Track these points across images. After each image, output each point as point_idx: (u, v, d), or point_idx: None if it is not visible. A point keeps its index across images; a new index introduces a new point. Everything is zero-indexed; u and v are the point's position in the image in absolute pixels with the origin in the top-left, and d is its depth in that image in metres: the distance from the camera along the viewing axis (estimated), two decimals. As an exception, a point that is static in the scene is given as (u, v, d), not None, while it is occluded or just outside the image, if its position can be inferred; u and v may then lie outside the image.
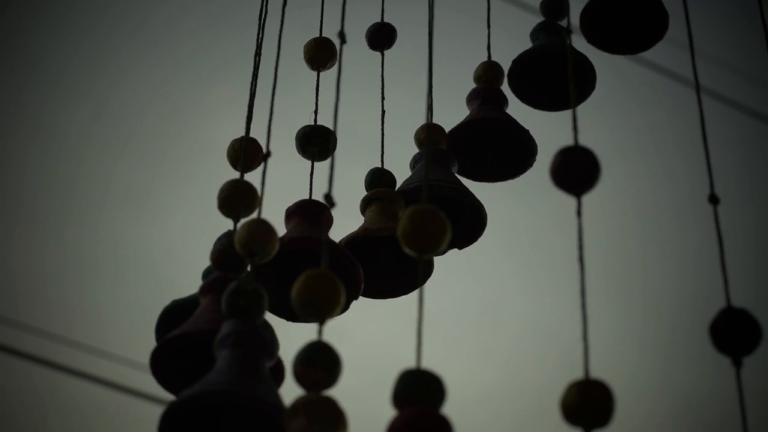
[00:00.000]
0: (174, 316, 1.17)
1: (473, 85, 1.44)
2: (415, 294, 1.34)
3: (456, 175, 1.38)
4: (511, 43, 1.46)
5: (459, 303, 3.97)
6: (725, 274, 0.94)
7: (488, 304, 4.10)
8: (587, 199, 0.89)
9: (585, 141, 1.34)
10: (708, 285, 4.06)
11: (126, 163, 3.96)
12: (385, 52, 1.48)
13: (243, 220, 1.02)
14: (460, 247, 1.37)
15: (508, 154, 1.40)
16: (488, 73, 1.43)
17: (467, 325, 3.94)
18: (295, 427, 0.78)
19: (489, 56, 1.45)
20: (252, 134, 1.24)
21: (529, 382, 3.78)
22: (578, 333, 0.82)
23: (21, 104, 3.92)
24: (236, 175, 1.15)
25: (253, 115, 1.23)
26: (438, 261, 1.33)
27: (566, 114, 1.41)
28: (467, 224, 1.35)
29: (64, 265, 3.90)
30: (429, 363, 0.79)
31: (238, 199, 1.09)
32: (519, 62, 1.38)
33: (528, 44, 1.43)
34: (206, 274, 1.19)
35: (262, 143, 1.14)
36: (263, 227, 0.99)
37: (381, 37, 1.48)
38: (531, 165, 1.39)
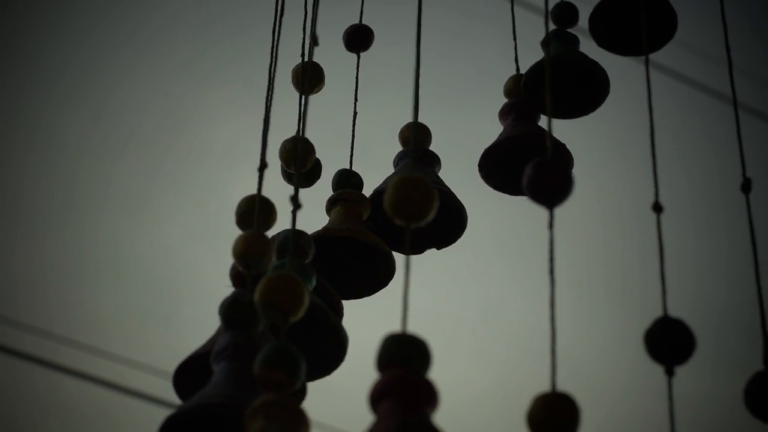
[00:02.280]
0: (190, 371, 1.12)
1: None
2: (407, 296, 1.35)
3: (438, 174, 1.38)
4: (505, 41, 1.45)
5: (455, 306, 3.98)
6: (663, 283, 0.94)
7: (484, 308, 4.11)
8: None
9: (583, 141, 1.36)
10: (708, 286, 4.07)
11: (125, 165, 3.96)
12: (371, 53, 1.48)
13: (239, 233, 1.01)
14: (439, 247, 1.37)
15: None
16: (519, 87, 1.41)
17: (463, 328, 3.95)
18: (254, 430, 0.78)
19: (517, 69, 1.44)
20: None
21: (525, 386, 3.78)
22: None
23: (20, 106, 3.92)
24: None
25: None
26: (435, 263, 1.34)
27: (576, 122, 1.42)
28: (448, 224, 1.35)
29: (64, 267, 3.91)
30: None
31: (255, 215, 1.08)
32: (534, 72, 1.36)
33: (530, 46, 1.42)
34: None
35: (256, 154, 1.13)
36: (259, 240, 0.99)
37: (358, 38, 1.48)
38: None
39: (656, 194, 0.98)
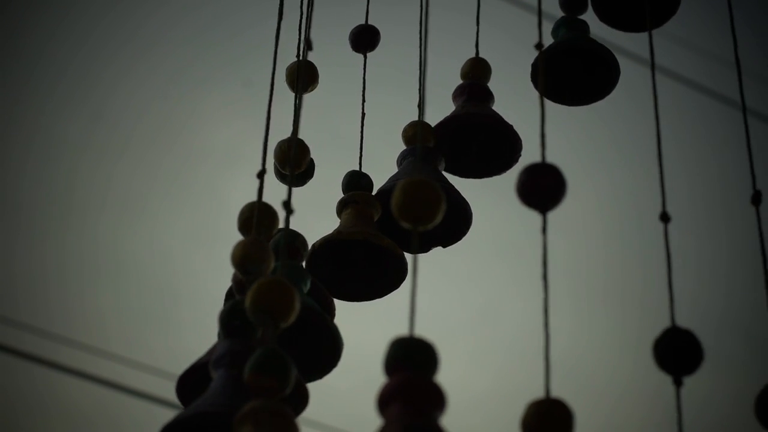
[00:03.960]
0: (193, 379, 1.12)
1: (457, 82, 1.44)
2: (404, 296, 1.35)
3: (443, 173, 1.38)
4: (502, 40, 1.46)
5: (454, 307, 3.98)
6: (671, 292, 0.95)
7: (483, 309, 4.11)
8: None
9: (584, 145, 1.36)
10: (707, 291, 4.07)
11: (124, 167, 3.96)
12: (370, 54, 1.48)
13: (237, 240, 1.01)
14: (445, 245, 1.37)
15: (493, 150, 1.40)
16: (475, 70, 1.43)
17: (461, 329, 3.95)
18: None
19: (477, 52, 1.45)
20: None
21: (522, 388, 3.78)
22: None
23: (20, 109, 3.92)
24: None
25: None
26: (434, 264, 1.34)
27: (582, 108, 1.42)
28: (452, 222, 1.34)
29: (64, 268, 3.91)
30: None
31: (259, 221, 1.08)
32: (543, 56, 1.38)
33: (516, 41, 1.43)
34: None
35: (254, 156, 1.13)
36: (258, 246, 0.99)
37: (364, 39, 1.49)
38: (516, 161, 1.39)
39: (663, 204, 0.98)
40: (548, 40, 1.42)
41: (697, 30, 3.97)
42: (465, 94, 1.41)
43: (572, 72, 1.40)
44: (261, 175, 1.07)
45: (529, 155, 1.38)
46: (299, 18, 1.33)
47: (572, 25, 1.40)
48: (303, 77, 1.30)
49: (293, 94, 1.28)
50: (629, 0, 1.33)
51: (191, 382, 1.09)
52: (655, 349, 0.92)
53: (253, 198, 1.09)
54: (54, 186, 3.93)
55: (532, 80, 1.37)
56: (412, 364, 0.79)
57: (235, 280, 1.12)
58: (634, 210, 4.03)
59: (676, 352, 0.91)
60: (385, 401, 0.78)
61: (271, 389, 0.81)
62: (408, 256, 1.30)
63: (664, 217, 0.98)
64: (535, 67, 1.36)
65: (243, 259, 0.98)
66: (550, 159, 0.90)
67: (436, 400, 0.78)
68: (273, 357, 0.82)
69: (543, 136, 0.92)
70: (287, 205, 0.96)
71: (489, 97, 1.42)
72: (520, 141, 1.38)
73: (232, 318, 0.99)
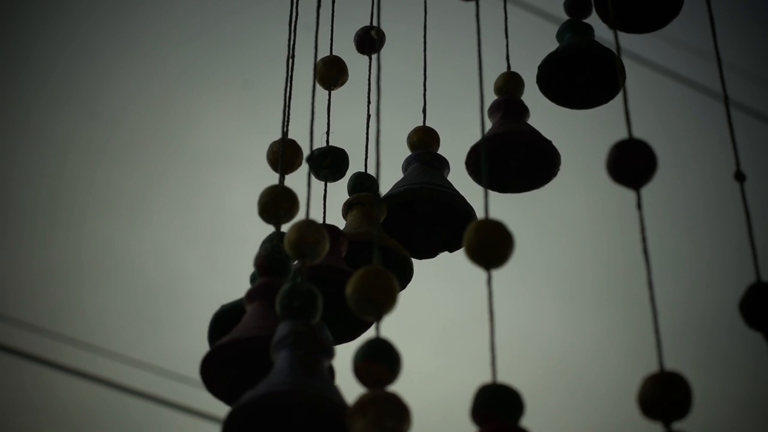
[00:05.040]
0: (224, 321, 1.15)
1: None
2: (403, 298, 1.34)
3: (447, 178, 1.38)
4: (510, 47, 1.45)
5: (447, 310, 3.98)
6: (754, 247, 0.93)
7: (476, 312, 4.10)
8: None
9: (574, 142, 1.36)
10: (701, 290, 4.07)
11: (122, 169, 3.96)
12: (375, 56, 1.47)
13: (292, 222, 1.01)
14: (451, 251, 1.37)
15: (532, 165, 1.39)
16: (509, 84, 1.42)
17: (455, 332, 3.95)
18: (364, 425, 0.78)
19: (508, 66, 1.44)
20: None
21: (524, 389, 3.77)
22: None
23: (18, 111, 3.93)
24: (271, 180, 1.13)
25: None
26: (428, 267, 1.33)
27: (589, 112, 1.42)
28: (458, 228, 1.34)
29: (62, 268, 3.91)
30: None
31: (278, 204, 1.08)
32: (548, 63, 1.37)
33: (533, 46, 1.42)
34: (253, 280, 1.17)
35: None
36: (313, 228, 0.99)
37: (369, 41, 1.48)
38: (555, 175, 1.38)
39: (737, 163, 0.97)
40: (549, 44, 1.42)
41: (700, 31, 3.97)
42: (501, 110, 1.40)
43: (578, 76, 1.40)
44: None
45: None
46: (293, 19, 1.33)
47: (578, 29, 1.40)
48: (333, 72, 1.28)
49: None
50: (632, 2, 1.32)
51: (216, 362, 1.08)
52: (741, 307, 0.91)
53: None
54: (52, 187, 3.93)
55: (537, 82, 1.37)
56: (500, 413, 0.82)
57: (258, 262, 1.11)
58: (626, 208, 4.02)
59: (765, 307, 0.89)
60: None
61: (382, 378, 0.82)
62: (425, 267, 1.30)
63: (739, 176, 0.97)
64: (541, 68, 1.37)
65: (299, 241, 0.97)
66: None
67: None
68: (383, 346, 0.83)
69: (627, 112, 0.92)
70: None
71: (524, 111, 1.40)
72: (559, 155, 1.37)
73: (293, 299, 0.98)
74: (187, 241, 3.97)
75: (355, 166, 1.36)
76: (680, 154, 4.06)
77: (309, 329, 0.97)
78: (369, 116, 1.40)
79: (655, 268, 0.89)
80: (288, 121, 1.21)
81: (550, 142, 1.37)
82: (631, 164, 0.89)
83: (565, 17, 1.43)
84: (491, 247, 0.84)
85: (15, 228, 3.91)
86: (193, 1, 4.09)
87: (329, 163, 1.31)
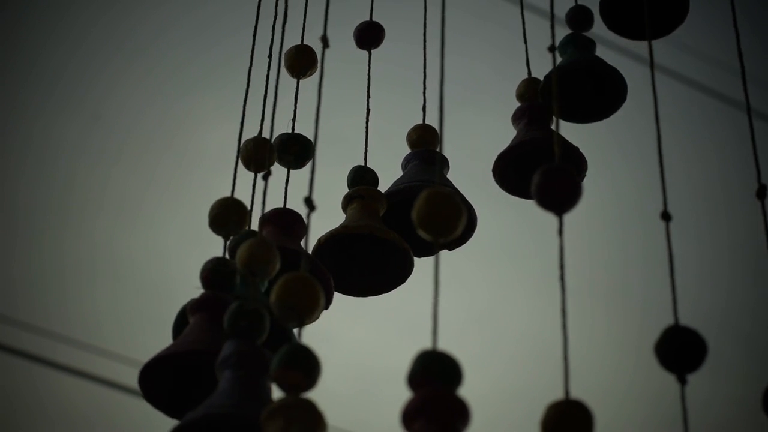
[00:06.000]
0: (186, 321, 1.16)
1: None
2: (402, 298, 1.34)
3: (447, 176, 1.38)
4: (510, 40, 1.44)
5: (454, 310, 3.97)
6: (674, 291, 0.94)
7: (484, 312, 4.10)
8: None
9: (586, 146, 1.35)
10: (708, 294, 4.06)
11: (121, 169, 3.96)
12: (374, 51, 1.48)
13: (244, 241, 1.01)
14: (450, 249, 1.37)
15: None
16: (531, 90, 1.41)
17: (456, 333, 3.95)
18: (273, 430, 0.78)
19: (529, 72, 1.44)
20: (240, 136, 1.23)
21: (520, 391, 3.78)
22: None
23: (16, 112, 3.93)
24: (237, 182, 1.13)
25: (245, 121, 1.23)
26: (427, 268, 1.33)
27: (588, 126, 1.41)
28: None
29: (62, 269, 3.91)
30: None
31: (228, 217, 1.08)
32: (551, 78, 1.36)
33: (535, 47, 1.42)
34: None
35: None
36: (264, 247, 0.98)
37: (369, 36, 1.48)
38: (581, 180, 1.37)
39: (665, 203, 0.97)
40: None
41: (701, 33, 3.96)
42: (525, 117, 1.39)
43: (580, 91, 1.39)
44: (265, 177, 1.08)
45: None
46: (297, 19, 1.33)
47: (580, 44, 1.39)
48: (302, 63, 1.28)
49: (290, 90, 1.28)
50: (635, 9, 1.32)
51: (154, 373, 1.10)
52: (658, 349, 0.91)
53: (248, 197, 1.08)
54: (52, 188, 3.93)
55: (540, 93, 1.36)
56: (436, 378, 0.79)
57: (204, 275, 1.11)
58: (636, 211, 4.03)
59: (679, 350, 0.90)
60: (411, 417, 0.78)
61: (299, 384, 0.81)
62: (423, 265, 1.29)
63: (666, 216, 0.97)
64: (546, 80, 1.36)
65: (249, 259, 0.97)
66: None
67: (461, 414, 0.78)
68: (301, 352, 0.83)
69: (557, 135, 0.94)
70: (309, 202, 0.95)
71: (548, 117, 1.39)
72: (586, 162, 1.37)
73: (239, 319, 0.98)
74: (186, 241, 3.96)
75: (354, 161, 1.36)
76: (688, 158, 4.06)
77: (252, 350, 0.97)
78: (368, 111, 1.40)
79: (653, 270, 0.88)
80: (274, 115, 1.20)
81: (577, 148, 1.36)
82: (555, 191, 0.88)
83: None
84: (439, 217, 0.82)
85: (14, 228, 3.91)
86: (192, 2, 4.09)
87: (296, 150, 1.30)
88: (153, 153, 3.98)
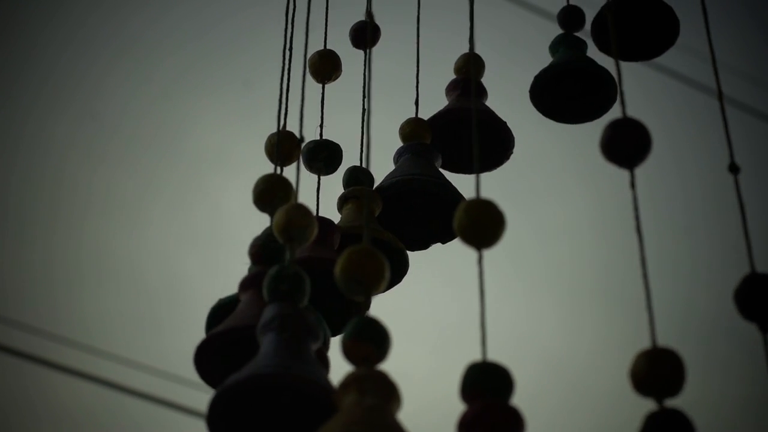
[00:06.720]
0: (222, 314, 1.14)
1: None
2: (403, 299, 1.34)
3: (440, 169, 1.37)
4: (498, 37, 1.45)
5: (444, 312, 3.97)
6: (748, 239, 0.93)
7: (473, 315, 4.09)
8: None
9: (572, 144, 1.35)
10: (700, 293, 4.07)
11: (120, 172, 3.97)
12: (370, 50, 1.47)
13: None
14: (444, 242, 1.37)
15: (486, 146, 1.38)
16: (468, 65, 1.42)
17: (452, 335, 3.95)
18: (348, 402, 0.78)
19: (471, 48, 1.45)
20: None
21: (522, 390, 3.77)
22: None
23: (16, 113, 3.93)
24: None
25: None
26: (432, 266, 1.33)
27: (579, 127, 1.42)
28: (450, 220, 1.34)
29: (61, 269, 3.92)
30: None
31: (274, 193, 1.08)
32: (541, 78, 1.37)
33: (513, 41, 1.42)
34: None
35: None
36: (301, 211, 0.98)
37: (365, 35, 1.48)
38: (507, 158, 1.38)
39: (731, 155, 0.96)
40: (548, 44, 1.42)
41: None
42: (459, 88, 1.40)
43: (571, 92, 1.40)
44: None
45: (521, 153, 1.38)
46: (306, 18, 1.33)
47: (571, 44, 1.40)
48: (326, 65, 1.29)
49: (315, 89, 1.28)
50: (629, 31, 1.32)
51: (211, 351, 1.08)
52: (736, 297, 0.90)
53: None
54: (51, 189, 3.93)
55: (530, 93, 1.37)
56: (491, 391, 0.81)
57: (252, 251, 1.11)
58: (623, 210, 4.02)
59: (761, 298, 0.89)
60: (467, 428, 0.78)
61: (370, 357, 0.81)
62: (415, 265, 1.29)
63: (733, 168, 0.97)
64: (536, 80, 1.36)
65: (286, 225, 0.97)
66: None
67: (518, 425, 0.79)
68: (370, 324, 0.83)
69: (622, 93, 0.92)
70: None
71: (482, 92, 1.41)
72: (513, 138, 1.38)
73: (279, 282, 0.97)
74: (185, 242, 3.97)
75: (350, 161, 1.36)
76: (679, 153, 4.06)
77: (295, 312, 0.96)
78: (364, 110, 1.39)
79: (654, 270, 0.88)
80: (286, 114, 1.20)
81: (505, 123, 1.37)
82: (624, 144, 0.88)
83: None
84: (482, 227, 0.83)
85: (14, 229, 3.91)
86: (191, 3, 4.09)
87: (325, 156, 1.31)
88: (153, 154, 3.98)
